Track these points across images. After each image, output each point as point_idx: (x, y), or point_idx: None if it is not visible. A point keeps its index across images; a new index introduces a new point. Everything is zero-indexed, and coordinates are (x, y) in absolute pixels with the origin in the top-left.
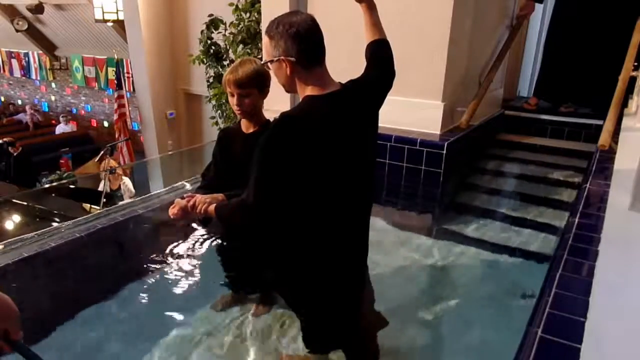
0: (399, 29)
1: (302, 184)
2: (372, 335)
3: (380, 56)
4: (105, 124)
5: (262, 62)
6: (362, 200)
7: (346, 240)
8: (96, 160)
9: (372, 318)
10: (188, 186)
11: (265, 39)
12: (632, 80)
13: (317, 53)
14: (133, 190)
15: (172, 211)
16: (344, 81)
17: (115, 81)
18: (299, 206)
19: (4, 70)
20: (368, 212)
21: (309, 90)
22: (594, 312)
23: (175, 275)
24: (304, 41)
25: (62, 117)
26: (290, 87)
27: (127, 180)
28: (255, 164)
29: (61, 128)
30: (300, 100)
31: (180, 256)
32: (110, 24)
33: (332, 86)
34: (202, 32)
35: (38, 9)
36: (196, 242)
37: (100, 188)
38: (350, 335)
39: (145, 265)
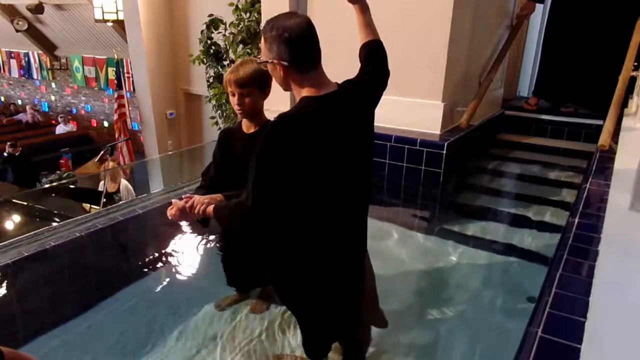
0: (399, 29)
1: (300, 184)
2: (366, 328)
3: (374, 56)
4: (105, 124)
5: (259, 62)
6: (358, 200)
7: (342, 239)
8: (96, 160)
9: (369, 311)
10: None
11: (262, 39)
12: (632, 80)
13: (310, 57)
14: (133, 193)
15: (170, 212)
16: (341, 81)
17: (115, 81)
18: (297, 206)
19: (4, 70)
20: (365, 211)
21: (305, 92)
22: (594, 312)
23: (176, 275)
24: (297, 46)
25: (61, 117)
26: (286, 87)
27: (127, 184)
28: (253, 166)
29: (61, 128)
30: (297, 101)
31: (180, 256)
32: (110, 24)
33: (328, 87)
34: (202, 32)
35: (38, 9)
36: (196, 241)
37: (100, 188)
38: (343, 333)
39: (144, 266)
